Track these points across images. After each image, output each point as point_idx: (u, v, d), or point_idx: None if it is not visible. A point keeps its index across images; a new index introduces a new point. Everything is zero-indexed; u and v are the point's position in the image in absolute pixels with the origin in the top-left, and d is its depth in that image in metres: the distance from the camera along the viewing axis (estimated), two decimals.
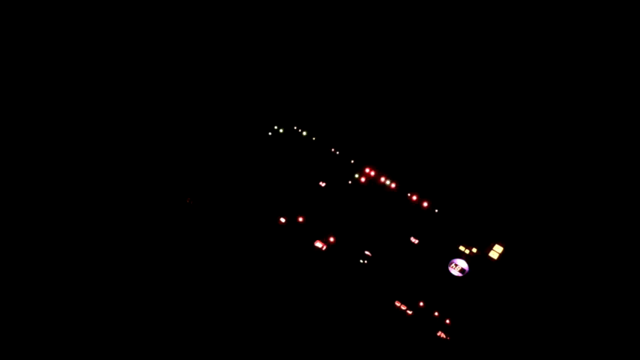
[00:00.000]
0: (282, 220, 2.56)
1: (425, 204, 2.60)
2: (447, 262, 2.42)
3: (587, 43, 3.07)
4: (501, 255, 2.44)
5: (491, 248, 2.47)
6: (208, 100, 2.87)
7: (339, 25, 3.63)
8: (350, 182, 2.66)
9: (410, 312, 2.32)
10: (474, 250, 2.46)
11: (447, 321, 2.29)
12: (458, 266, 2.40)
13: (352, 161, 2.74)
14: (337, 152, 2.77)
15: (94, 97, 3.38)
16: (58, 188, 2.93)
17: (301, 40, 3.67)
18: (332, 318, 2.33)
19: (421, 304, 2.34)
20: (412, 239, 2.50)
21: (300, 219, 2.57)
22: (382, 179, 2.68)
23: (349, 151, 2.79)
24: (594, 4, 2.91)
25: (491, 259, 2.44)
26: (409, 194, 2.63)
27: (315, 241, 2.48)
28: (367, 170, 2.69)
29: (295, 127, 2.86)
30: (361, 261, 2.45)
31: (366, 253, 2.47)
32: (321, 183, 2.66)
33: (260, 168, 2.70)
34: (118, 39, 3.51)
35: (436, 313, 2.31)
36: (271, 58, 3.60)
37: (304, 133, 2.90)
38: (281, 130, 2.87)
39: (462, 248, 2.47)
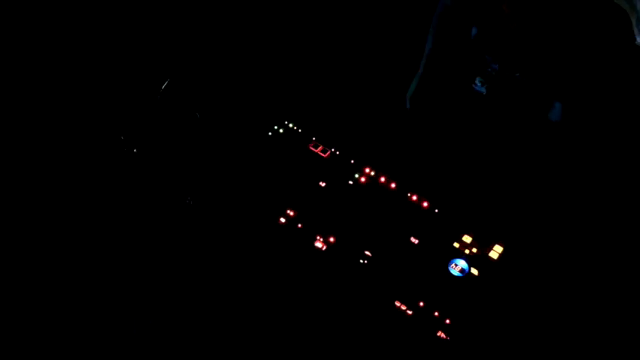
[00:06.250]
0: (282, 220, 2.56)
1: (425, 204, 2.60)
2: (447, 262, 2.42)
3: (586, 44, 3.07)
4: (501, 255, 2.44)
5: (491, 248, 2.47)
6: (208, 100, 2.87)
7: (339, 25, 3.64)
8: (350, 182, 2.66)
9: (410, 312, 2.32)
10: (474, 250, 2.47)
11: (447, 321, 2.29)
12: (458, 266, 2.40)
13: (352, 161, 2.75)
14: (337, 152, 2.77)
15: (94, 96, 3.38)
16: (58, 187, 2.93)
17: (300, 40, 3.67)
18: (332, 318, 2.33)
19: (421, 304, 2.33)
20: (412, 239, 2.50)
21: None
22: (382, 179, 2.68)
23: (349, 151, 2.79)
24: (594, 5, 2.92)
25: (491, 259, 2.44)
26: (409, 194, 2.63)
27: (315, 241, 2.48)
28: (367, 170, 2.69)
29: (295, 127, 2.87)
30: (361, 261, 2.45)
31: (366, 253, 2.47)
32: (321, 183, 2.67)
33: (260, 168, 2.71)
34: (118, 38, 3.51)
35: (436, 313, 2.31)
36: (271, 58, 3.60)
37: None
38: (281, 130, 2.87)
39: (462, 248, 2.47)
